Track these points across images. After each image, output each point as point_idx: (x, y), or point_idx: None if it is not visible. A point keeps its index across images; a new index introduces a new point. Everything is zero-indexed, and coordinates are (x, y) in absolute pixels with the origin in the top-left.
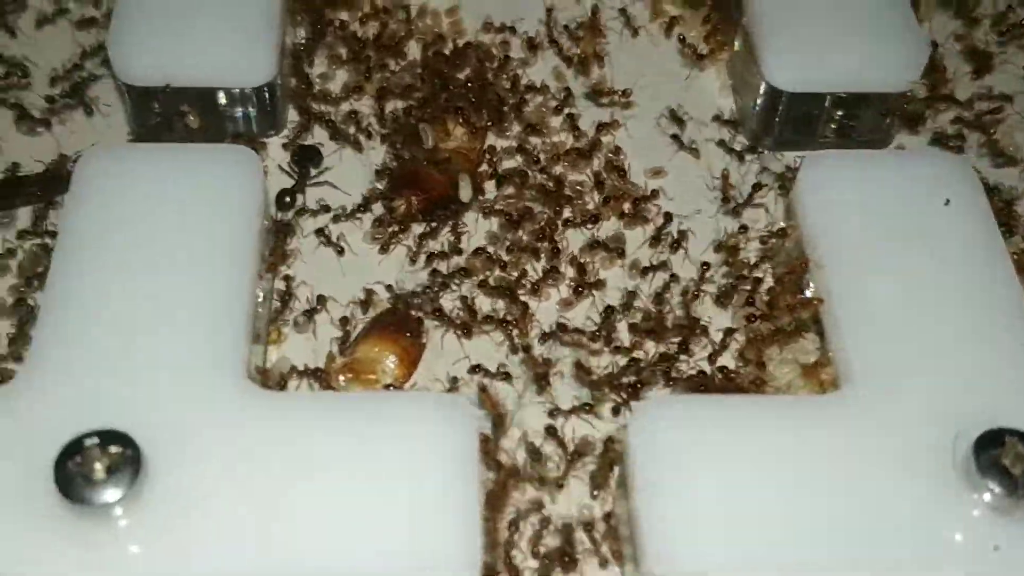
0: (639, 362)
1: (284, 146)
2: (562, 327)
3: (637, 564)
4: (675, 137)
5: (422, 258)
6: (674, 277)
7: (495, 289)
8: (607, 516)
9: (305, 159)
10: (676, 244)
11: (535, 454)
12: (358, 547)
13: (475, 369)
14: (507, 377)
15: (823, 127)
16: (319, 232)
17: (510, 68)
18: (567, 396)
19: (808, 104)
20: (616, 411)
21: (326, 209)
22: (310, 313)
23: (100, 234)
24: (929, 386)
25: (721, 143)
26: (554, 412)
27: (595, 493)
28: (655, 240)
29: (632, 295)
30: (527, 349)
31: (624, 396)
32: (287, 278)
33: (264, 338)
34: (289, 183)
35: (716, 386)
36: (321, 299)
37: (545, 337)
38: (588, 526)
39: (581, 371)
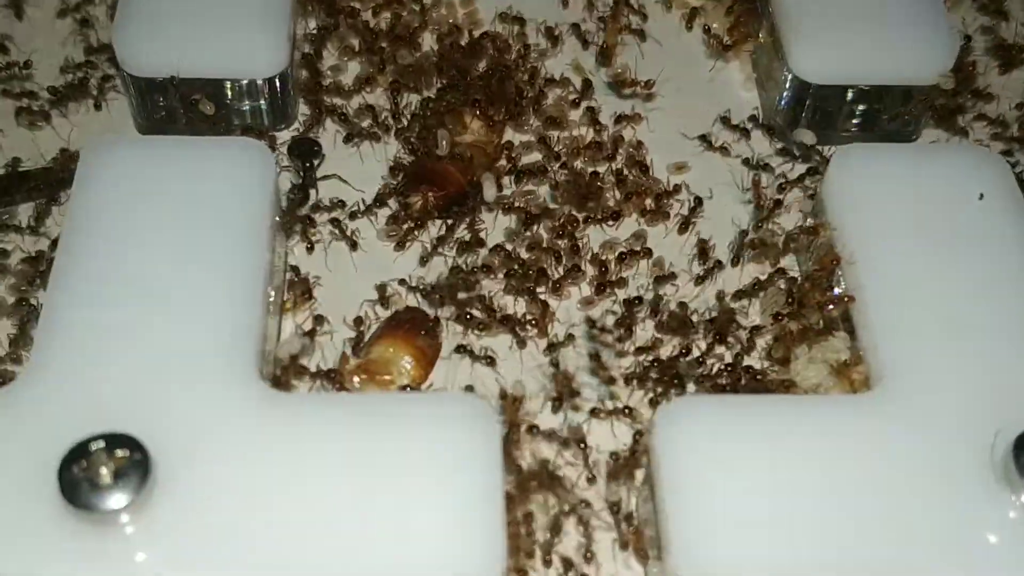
0: (670, 359)
1: (293, 139)
2: (590, 322)
3: (663, 564)
4: (703, 138)
5: (439, 254)
6: (718, 264)
7: (515, 287)
8: (628, 516)
9: (303, 153)
10: (702, 252)
11: (552, 474)
12: (377, 553)
13: (460, 349)
14: (491, 362)
15: (848, 121)
16: (335, 222)
17: (529, 60)
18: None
19: (835, 97)
20: (653, 404)
21: (342, 204)
22: (311, 334)
23: (105, 229)
24: (964, 385)
25: (746, 161)
26: (595, 411)
27: (615, 489)
28: (683, 227)
29: (659, 298)
30: (556, 364)
31: (661, 389)
32: (302, 276)
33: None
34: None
35: (744, 386)
36: (319, 319)
37: (552, 347)
38: (613, 520)
39: (598, 365)
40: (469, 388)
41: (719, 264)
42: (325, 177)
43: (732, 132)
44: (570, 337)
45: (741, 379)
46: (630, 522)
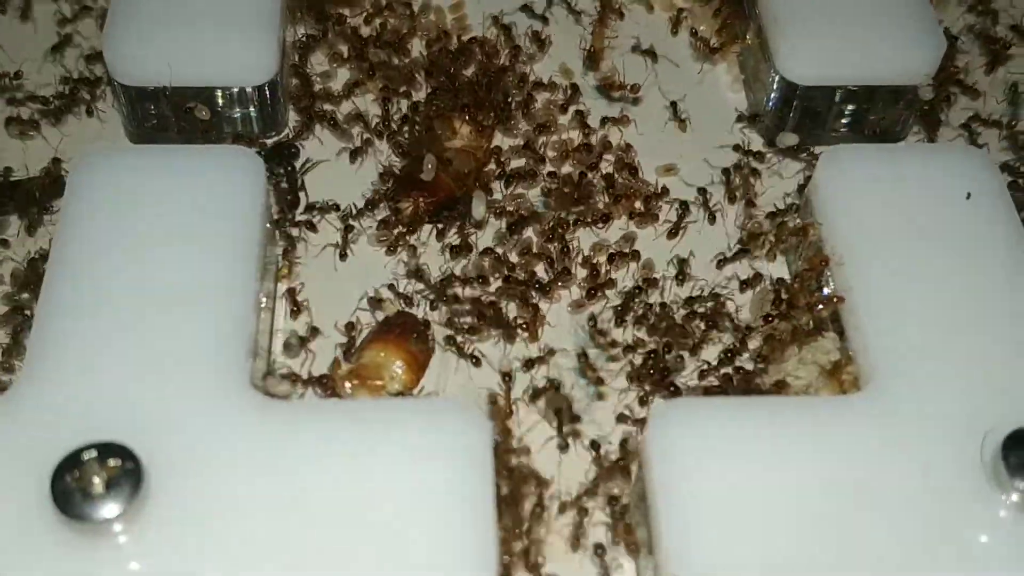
0: (660, 358)
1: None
2: (591, 319)
3: (655, 564)
4: (673, 104)
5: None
6: (742, 251)
7: (505, 291)
8: (623, 509)
9: (282, 158)
10: (681, 273)
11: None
12: (370, 561)
13: (450, 340)
14: (477, 362)
15: (836, 121)
16: (348, 228)
17: (517, 64)
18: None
19: (822, 98)
20: (643, 402)
21: (336, 208)
22: (304, 341)
23: (97, 239)
24: (954, 385)
25: (726, 171)
26: (622, 416)
27: (615, 490)
28: (672, 234)
29: (651, 307)
30: (558, 388)
31: (650, 387)
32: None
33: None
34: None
35: (735, 388)
36: (315, 331)
37: (530, 364)
38: (609, 516)
39: (586, 365)
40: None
41: (743, 251)
42: (306, 170)
43: (744, 156)
44: (551, 352)
45: (733, 380)
46: (622, 516)
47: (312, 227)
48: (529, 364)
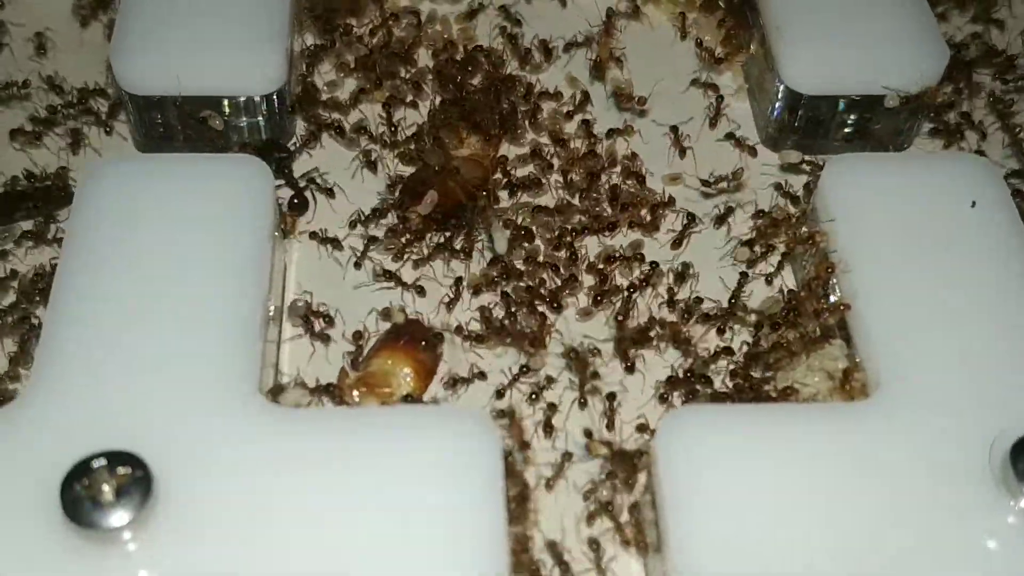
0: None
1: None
2: (618, 316)
3: (664, 568)
4: (674, 128)
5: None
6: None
7: (513, 299)
8: (632, 507)
9: (274, 156)
10: (681, 277)
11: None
12: (378, 569)
13: (451, 383)
14: (482, 376)
15: (840, 130)
16: (372, 240)
17: (524, 72)
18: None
19: (826, 107)
20: (663, 399)
21: (327, 190)
22: (323, 337)
23: (106, 247)
24: (962, 391)
25: (781, 190)
26: (642, 427)
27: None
28: (676, 244)
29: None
30: (589, 434)
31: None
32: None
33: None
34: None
35: (744, 395)
36: (326, 338)
37: (540, 392)
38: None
39: (576, 361)
40: (501, 413)
41: (763, 254)
42: (303, 175)
43: (740, 148)
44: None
45: (746, 381)
46: (632, 515)
47: (338, 244)
48: (548, 427)
